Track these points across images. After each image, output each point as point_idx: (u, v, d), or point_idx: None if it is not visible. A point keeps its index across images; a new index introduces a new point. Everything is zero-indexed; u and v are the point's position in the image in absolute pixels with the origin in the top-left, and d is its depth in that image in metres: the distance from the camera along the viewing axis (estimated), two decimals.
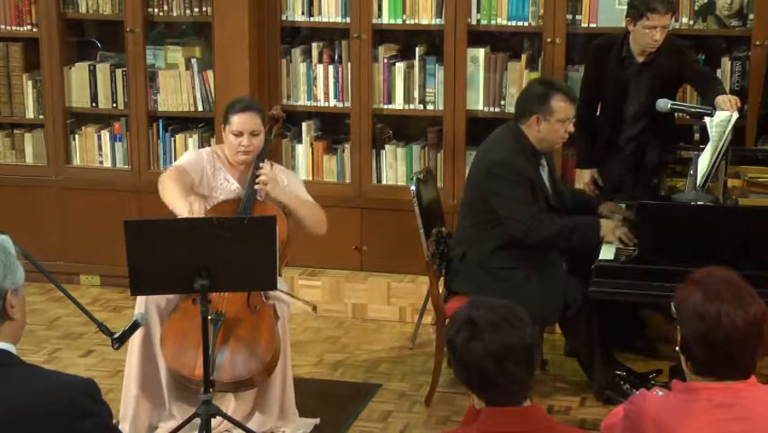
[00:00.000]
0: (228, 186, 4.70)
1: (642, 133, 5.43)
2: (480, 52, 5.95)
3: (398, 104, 6.09)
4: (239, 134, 4.64)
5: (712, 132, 4.76)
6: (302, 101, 6.23)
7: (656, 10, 5.17)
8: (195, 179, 4.64)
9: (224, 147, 4.75)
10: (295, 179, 4.88)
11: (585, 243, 4.76)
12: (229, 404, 4.55)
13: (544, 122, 4.76)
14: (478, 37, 6.01)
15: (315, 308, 4.78)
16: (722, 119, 4.79)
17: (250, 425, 4.52)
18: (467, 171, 5.41)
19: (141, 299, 4.49)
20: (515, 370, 2.60)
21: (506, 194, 4.75)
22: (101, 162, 6.49)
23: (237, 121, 4.64)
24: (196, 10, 6.22)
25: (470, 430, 2.69)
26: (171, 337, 4.43)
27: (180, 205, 4.39)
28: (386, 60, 6.07)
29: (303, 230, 4.79)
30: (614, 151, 5.48)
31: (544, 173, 4.93)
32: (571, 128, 4.82)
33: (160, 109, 6.36)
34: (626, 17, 5.30)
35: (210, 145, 5.92)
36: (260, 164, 4.66)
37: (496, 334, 2.60)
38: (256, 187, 4.63)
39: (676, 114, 5.44)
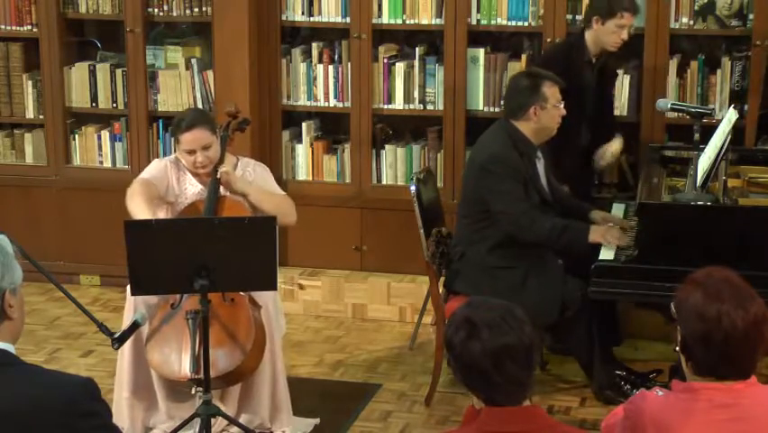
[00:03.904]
0: (193, 189, 4.72)
1: (594, 132, 5.51)
2: (480, 52, 5.95)
3: (398, 104, 6.09)
4: (191, 152, 4.64)
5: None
6: (302, 101, 6.23)
7: (630, 9, 5.25)
8: (160, 190, 4.67)
9: None
10: (263, 172, 4.85)
11: (574, 245, 4.77)
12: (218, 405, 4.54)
13: (541, 111, 4.82)
14: (478, 37, 6.01)
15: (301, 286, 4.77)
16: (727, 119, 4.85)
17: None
18: None
19: (129, 302, 4.50)
20: (513, 370, 2.60)
21: (499, 189, 4.78)
22: (101, 162, 6.49)
23: (186, 140, 4.64)
24: (196, 10, 6.21)
25: (470, 430, 2.69)
26: (154, 344, 4.43)
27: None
28: (386, 60, 6.07)
29: None
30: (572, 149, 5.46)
31: (540, 166, 4.96)
32: (563, 111, 4.88)
33: (159, 109, 6.36)
34: (594, 15, 5.29)
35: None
36: (218, 167, 4.64)
37: (494, 333, 2.60)
38: (218, 176, 4.61)
39: (676, 113, 5.46)
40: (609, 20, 5.25)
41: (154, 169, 4.76)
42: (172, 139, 6.27)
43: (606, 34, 5.30)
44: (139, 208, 4.46)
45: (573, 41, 5.41)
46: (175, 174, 4.74)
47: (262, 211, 4.69)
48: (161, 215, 4.70)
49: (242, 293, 4.50)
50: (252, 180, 4.76)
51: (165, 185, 4.70)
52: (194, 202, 4.67)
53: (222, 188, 4.64)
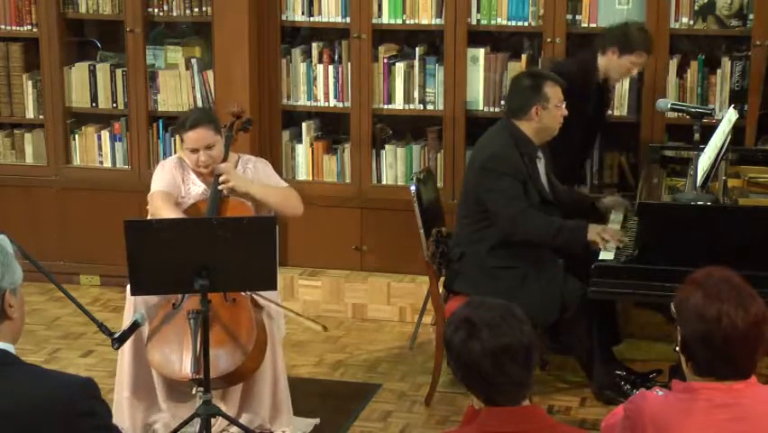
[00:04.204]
0: (196, 189, 4.72)
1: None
2: (480, 52, 5.95)
3: (398, 104, 6.09)
4: (194, 151, 4.64)
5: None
6: (302, 101, 6.23)
7: (649, 50, 5.33)
8: (175, 196, 4.67)
9: None
10: (263, 167, 4.87)
11: (571, 244, 4.78)
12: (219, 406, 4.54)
13: (543, 110, 4.84)
14: (478, 37, 6.00)
15: (325, 328, 4.80)
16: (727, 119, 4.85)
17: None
18: None
19: (129, 302, 4.50)
20: (513, 369, 2.60)
21: (496, 187, 4.79)
22: (101, 162, 6.49)
23: (189, 138, 4.63)
24: (196, 10, 6.21)
25: (470, 430, 2.69)
26: (155, 344, 4.43)
27: None
28: (386, 60, 6.07)
29: (279, 215, 4.79)
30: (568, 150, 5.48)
31: (541, 166, 4.97)
32: (565, 111, 4.90)
33: (159, 109, 6.36)
34: (612, 45, 5.29)
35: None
36: (219, 167, 4.65)
37: (493, 333, 2.60)
38: (219, 187, 4.64)
39: (676, 113, 5.47)
40: (626, 55, 5.29)
41: (163, 177, 4.72)
42: (172, 139, 6.32)
43: (618, 67, 5.34)
44: None
45: (587, 63, 5.38)
46: (179, 174, 4.73)
47: (268, 206, 4.69)
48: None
49: (243, 294, 4.50)
50: (253, 177, 4.76)
51: (176, 188, 4.69)
52: (196, 203, 4.67)
53: (223, 191, 4.65)
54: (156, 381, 4.58)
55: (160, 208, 4.56)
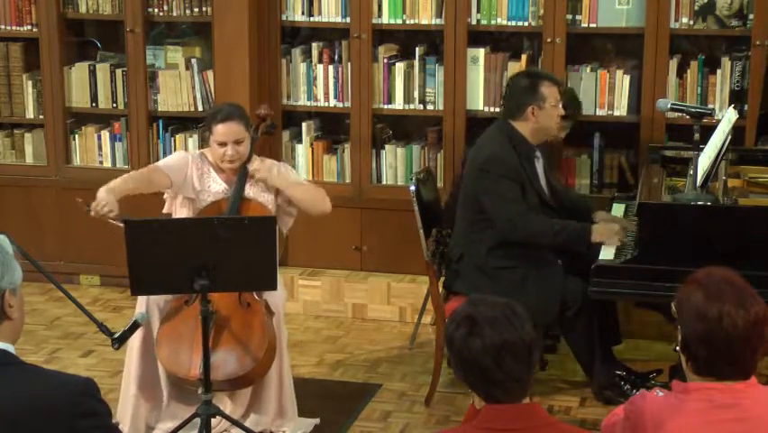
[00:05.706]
0: (216, 188, 4.70)
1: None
2: (480, 52, 5.95)
3: (398, 104, 6.09)
4: (222, 144, 4.64)
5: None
6: (302, 101, 6.23)
7: (557, 82, 5.22)
8: (173, 180, 4.63)
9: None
10: (286, 170, 4.86)
11: (573, 245, 4.77)
12: (225, 406, 4.54)
13: (539, 110, 4.84)
14: (478, 37, 6.01)
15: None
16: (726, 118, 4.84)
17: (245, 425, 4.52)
18: None
19: (141, 299, 4.50)
20: (513, 366, 2.60)
21: (494, 190, 4.78)
22: (101, 162, 6.49)
23: (219, 131, 4.64)
24: (196, 10, 6.21)
25: (470, 428, 2.69)
26: (165, 340, 4.43)
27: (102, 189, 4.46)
28: (386, 60, 6.07)
29: (307, 213, 4.78)
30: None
31: (539, 166, 4.96)
32: (562, 111, 4.91)
33: (160, 109, 6.36)
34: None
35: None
36: (248, 166, 4.65)
37: (494, 330, 2.60)
38: (250, 182, 4.62)
39: (676, 113, 5.47)
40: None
41: (173, 158, 4.76)
42: (172, 139, 6.32)
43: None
44: (114, 182, 4.48)
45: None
46: (197, 169, 4.70)
47: (295, 202, 4.68)
48: (184, 212, 4.68)
49: (257, 297, 4.50)
50: (281, 174, 4.75)
51: (181, 176, 4.66)
52: (218, 200, 4.66)
53: (248, 188, 4.64)
54: (163, 380, 4.57)
55: (128, 175, 4.60)
